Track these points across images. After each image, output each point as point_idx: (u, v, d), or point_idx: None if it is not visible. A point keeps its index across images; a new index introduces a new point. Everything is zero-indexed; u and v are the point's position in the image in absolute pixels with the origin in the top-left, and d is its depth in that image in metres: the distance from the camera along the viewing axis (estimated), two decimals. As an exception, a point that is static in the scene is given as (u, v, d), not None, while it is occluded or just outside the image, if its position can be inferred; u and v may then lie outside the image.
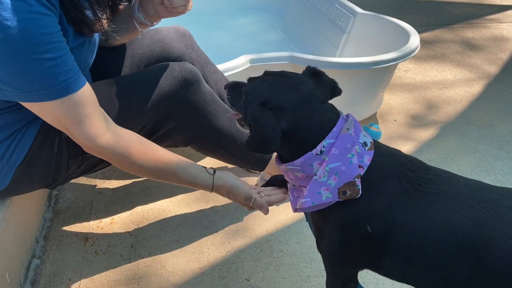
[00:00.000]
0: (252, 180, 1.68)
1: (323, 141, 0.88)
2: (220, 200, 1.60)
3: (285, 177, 0.98)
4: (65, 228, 1.49)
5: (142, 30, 1.25)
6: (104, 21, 1.07)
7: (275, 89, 0.92)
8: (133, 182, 1.69)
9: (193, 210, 1.56)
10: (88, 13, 1.03)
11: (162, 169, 1.11)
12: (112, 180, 1.69)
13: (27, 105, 0.99)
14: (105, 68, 1.31)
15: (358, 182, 0.86)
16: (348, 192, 0.86)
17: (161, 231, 1.48)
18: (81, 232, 1.47)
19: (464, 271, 0.81)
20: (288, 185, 1.01)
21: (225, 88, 1.02)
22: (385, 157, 0.91)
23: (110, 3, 1.10)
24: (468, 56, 2.71)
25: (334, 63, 1.76)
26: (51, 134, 1.14)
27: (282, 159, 0.95)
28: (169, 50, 1.42)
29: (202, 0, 2.82)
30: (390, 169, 0.88)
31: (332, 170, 0.87)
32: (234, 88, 1.00)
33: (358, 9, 2.29)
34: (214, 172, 1.15)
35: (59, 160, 1.17)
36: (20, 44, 0.88)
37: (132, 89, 1.22)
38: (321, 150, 0.87)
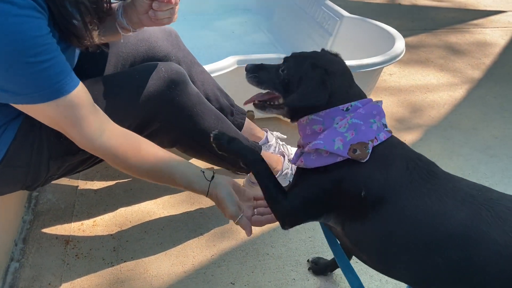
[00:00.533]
0: (238, 182, 1.66)
1: (352, 102, 0.95)
2: (206, 202, 1.58)
3: (300, 135, 1.01)
4: (45, 230, 1.45)
5: (124, 34, 1.23)
6: (95, 34, 1.05)
7: (321, 57, 1.03)
8: (116, 183, 1.65)
9: (178, 212, 1.53)
10: (76, 23, 1.00)
11: (159, 171, 1.10)
12: (95, 181, 1.66)
13: (22, 107, 0.97)
14: (89, 66, 1.28)
15: (370, 146, 0.90)
16: (358, 152, 0.90)
17: (145, 234, 1.45)
18: (62, 235, 1.43)
19: (450, 260, 0.83)
20: (296, 151, 1.03)
21: (246, 70, 1.07)
22: (400, 143, 0.97)
23: (98, 13, 1.07)
24: (451, 60, 2.74)
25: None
26: (31, 134, 1.10)
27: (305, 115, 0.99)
28: (155, 49, 1.39)
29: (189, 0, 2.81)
30: (402, 152, 0.94)
31: (353, 125, 0.92)
32: (261, 69, 1.06)
33: (345, 13, 2.30)
34: (212, 177, 1.13)
35: (39, 161, 1.13)
36: (11, 47, 0.85)
37: (117, 89, 1.20)
38: (347, 107, 0.94)
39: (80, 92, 0.99)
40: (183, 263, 1.35)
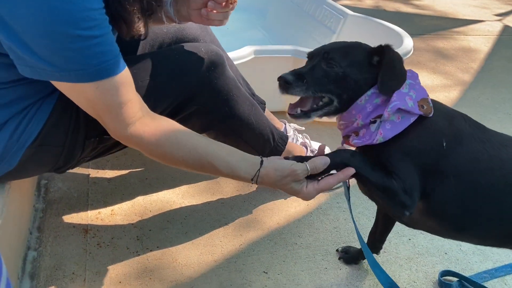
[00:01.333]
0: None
1: None
2: (226, 192, 1.54)
3: (356, 120, 1.00)
4: (60, 219, 1.36)
5: (168, 24, 1.19)
6: (142, 24, 1.00)
7: (360, 44, 1.07)
8: (130, 172, 1.59)
9: (199, 202, 1.49)
10: (129, 8, 0.95)
11: (197, 160, 1.01)
12: (106, 170, 1.58)
13: (61, 85, 0.90)
14: (121, 46, 1.22)
15: (430, 100, 0.98)
16: (425, 107, 0.96)
17: (168, 223, 1.39)
18: (79, 224, 1.36)
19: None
20: (351, 139, 1.02)
21: (287, 82, 0.97)
22: (441, 104, 1.05)
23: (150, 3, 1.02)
24: (442, 64, 2.83)
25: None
26: (68, 111, 1.04)
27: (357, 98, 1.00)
28: (184, 31, 1.35)
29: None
30: (451, 110, 1.03)
31: (411, 85, 0.98)
32: (299, 75, 1.00)
33: (349, 11, 2.33)
34: (262, 162, 1.01)
35: (74, 140, 1.06)
36: (64, 17, 0.80)
37: (155, 69, 1.14)
38: None
39: (125, 76, 0.93)
40: (212, 252, 1.31)
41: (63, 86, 0.91)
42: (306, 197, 1.01)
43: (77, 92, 0.91)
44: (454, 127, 0.97)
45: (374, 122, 0.98)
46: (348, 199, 1.11)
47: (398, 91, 0.96)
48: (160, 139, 0.99)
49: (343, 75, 0.99)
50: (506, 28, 3.65)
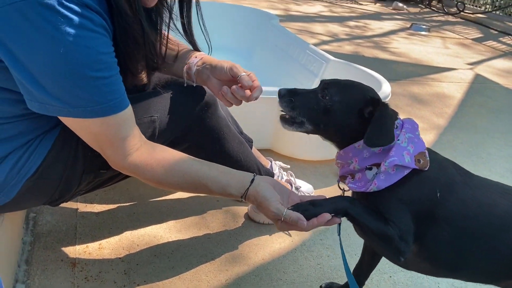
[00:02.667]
0: (242, 209, 1.69)
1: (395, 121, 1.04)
2: (213, 227, 1.58)
3: (352, 163, 1.04)
4: (48, 252, 1.37)
5: (185, 80, 1.28)
6: (144, 76, 1.09)
7: (365, 87, 1.10)
8: (118, 206, 1.61)
9: (186, 237, 1.52)
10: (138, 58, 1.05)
11: (191, 183, 1.09)
12: (95, 204, 1.61)
13: (68, 120, 0.97)
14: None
15: (427, 154, 1.02)
16: (422, 161, 1.00)
17: (155, 257, 1.41)
18: (67, 257, 1.37)
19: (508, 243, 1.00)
20: (347, 180, 1.06)
21: (281, 95, 1.05)
22: (435, 153, 1.09)
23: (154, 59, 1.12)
24: (417, 108, 2.98)
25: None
26: (68, 145, 1.08)
27: (353, 141, 1.03)
28: (179, 74, 1.43)
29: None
30: (441, 157, 1.08)
31: (410, 139, 1.02)
32: (296, 94, 1.07)
33: (330, 57, 2.46)
34: (252, 180, 1.09)
35: (72, 174, 1.11)
36: (79, 60, 0.87)
37: (153, 107, 1.21)
38: (396, 125, 1.03)
39: (128, 113, 1.01)
40: (198, 287, 1.33)
41: (70, 121, 0.97)
42: (279, 229, 1.06)
43: (83, 127, 0.98)
44: (446, 176, 1.02)
45: (370, 168, 1.02)
46: (339, 233, 1.14)
47: (397, 145, 0.99)
48: (154, 167, 1.06)
49: (329, 110, 1.03)
50: (477, 76, 3.87)
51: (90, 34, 0.88)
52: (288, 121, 1.09)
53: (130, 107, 1.00)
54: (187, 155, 1.13)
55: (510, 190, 1.05)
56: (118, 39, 0.97)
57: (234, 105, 1.27)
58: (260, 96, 1.87)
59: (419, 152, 1.00)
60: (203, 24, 1.21)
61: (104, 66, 0.91)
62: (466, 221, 1.00)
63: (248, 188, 1.08)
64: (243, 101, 1.24)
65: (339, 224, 1.13)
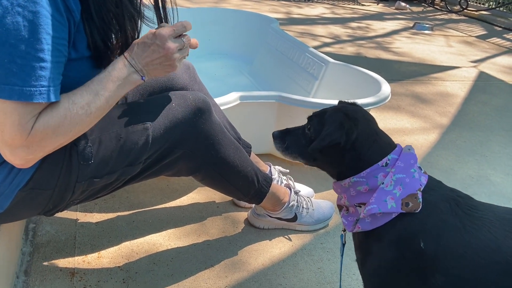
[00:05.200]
0: (242, 214, 1.68)
1: (388, 156, 0.96)
2: (212, 234, 1.57)
3: (342, 198, 1.02)
4: (47, 262, 1.37)
5: None
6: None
7: (345, 109, 1.02)
8: (118, 216, 1.61)
9: (185, 244, 1.51)
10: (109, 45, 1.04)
11: (94, 102, 1.01)
12: (94, 214, 1.61)
13: None
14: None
15: (420, 195, 0.92)
16: (410, 204, 0.92)
17: (154, 265, 1.41)
18: (66, 267, 1.37)
19: None
20: (342, 213, 1.04)
21: (274, 137, 1.08)
22: (436, 182, 0.99)
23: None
24: (420, 108, 2.95)
25: (319, 103, 1.85)
26: (61, 155, 1.08)
27: (343, 176, 1.00)
28: (174, 81, 1.43)
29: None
30: (442, 192, 0.96)
31: (398, 180, 0.93)
32: (287, 134, 1.08)
33: (330, 59, 2.45)
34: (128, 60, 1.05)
35: (65, 184, 1.10)
36: (22, 33, 0.86)
37: (147, 115, 1.20)
38: (386, 162, 0.96)
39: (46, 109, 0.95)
40: (197, 294, 1.32)
41: None
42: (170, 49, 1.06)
43: None
44: (440, 225, 0.91)
45: (360, 206, 0.98)
46: (342, 255, 1.14)
47: (380, 190, 0.93)
48: (60, 119, 0.97)
49: (315, 138, 1.02)
50: (481, 74, 3.83)
51: (45, 13, 0.88)
52: (286, 153, 1.12)
53: (51, 106, 0.95)
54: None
55: None
56: (94, 14, 0.97)
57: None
58: (260, 101, 1.89)
59: (409, 195, 0.92)
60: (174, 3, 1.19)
61: (47, 48, 0.89)
62: (462, 270, 0.88)
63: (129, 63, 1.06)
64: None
65: (344, 245, 1.12)
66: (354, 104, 1.12)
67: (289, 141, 1.08)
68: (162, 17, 1.19)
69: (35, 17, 0.87)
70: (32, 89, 0.90)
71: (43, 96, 0.91)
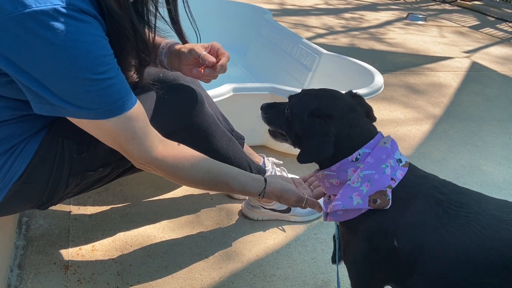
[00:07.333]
0: (236, 206, 1.68)
1: (359, 150, 0.93)
2: (206, 226, 1.57)
3: (322, 187, 1.04)
4: (41, 256, 1.37)
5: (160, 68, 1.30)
6: (135, 74, 1.09)
7: (321, 99, 0.99)
8: (111, 208, 1.61)
9: (180, 236, 1.52)
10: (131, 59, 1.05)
11: (213, 179, 1.18)
12: (88, 206, 1.61)
13: (82, 122, 0.97)
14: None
15: (389, 192, 0.90)
16: (379, 201, 0.90)
17: (148, 257, 1.41)
18: (60, 260, 1.37)
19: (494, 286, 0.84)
20: (324, 199, 1.04)
21: (261, 109, 1.08)
22: (417, 177, 0.94)
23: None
24: (413, 99, 2.96)
25: (312, 95, 1.85)
26: (53, 149, 1.08)
27: (324, 165, 0.99)
28: (166, 73, 1.41)
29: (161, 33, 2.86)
30: (421, 189, 0.91)
31: (366, 177, 0.91)
32: (271, 108, 1.08)
33: (323, 50, 2.45)
34: (265, 180, 1.25)
35: (58, 177, 1.10)
36: (82, 65, 0.87)
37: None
38: (356, 157, 0.93)
39: (139, 108, 1.02)
40: (191, 285, 1.33)
41: (84, 123, 0.97)
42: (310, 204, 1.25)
43: (98, 127, 0.98)
44: (411, 218, 0.89)
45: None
46: (338, 238, 1.13)
47: (346, 186, 0.92)
48: (182, 162, 1.12)
49: (289, 122, 1.04)
50: (474, 64, 3.84)
51: (90, 38, 0.88)
52: (273, 133, 1.14)
53: (139, 103, 1.02)
54: (205, 155, 1.20)
55: (509, 219, 0.85)
56: (110, 38, 0.97)
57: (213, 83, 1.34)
58: (253, 92, 1.89)
59: (377, 191, 0.89)
60: (189, 12, 1.19)
61: (107, 68, 0.91)
62: (442, 270, 0.86)
63: (265, 187, 1.24)
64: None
65: (340, 249, 1.09)
66: (322, 89, 1.06)
67: (271, 115, 1.10)
68: (180, 32, 1.23)
69: (90, 46, 0.88)
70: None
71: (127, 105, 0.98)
